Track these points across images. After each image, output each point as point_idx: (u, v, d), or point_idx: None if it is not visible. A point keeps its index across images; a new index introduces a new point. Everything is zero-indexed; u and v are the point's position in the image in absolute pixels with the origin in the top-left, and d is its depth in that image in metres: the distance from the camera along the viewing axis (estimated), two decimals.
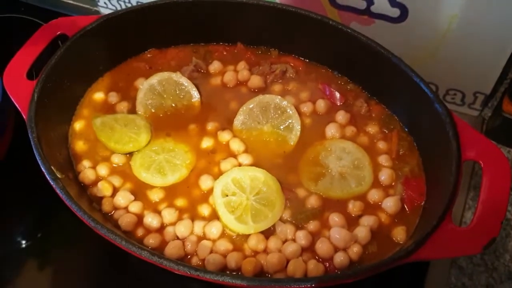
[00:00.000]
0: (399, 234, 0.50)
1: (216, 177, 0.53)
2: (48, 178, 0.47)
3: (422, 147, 0.55)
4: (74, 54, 0.56)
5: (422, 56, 0.63)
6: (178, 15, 0.61)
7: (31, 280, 0.56)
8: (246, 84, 0.60)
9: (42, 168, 0.47)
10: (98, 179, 0.53)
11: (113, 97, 0.59)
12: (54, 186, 0.46)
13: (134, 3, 0.77)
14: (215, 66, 0.62)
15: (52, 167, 0.48)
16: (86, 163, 0.54)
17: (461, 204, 0.59)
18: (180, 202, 0.52)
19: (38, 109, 0.50)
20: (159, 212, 0.51)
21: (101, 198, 0.52)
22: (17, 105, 0.51)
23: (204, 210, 0.51)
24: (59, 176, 0.48)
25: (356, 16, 0.62)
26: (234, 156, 0.55)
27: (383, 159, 0.55)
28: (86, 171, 0.53)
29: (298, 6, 0.60)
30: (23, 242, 0.59)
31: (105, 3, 0.79)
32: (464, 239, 0.44)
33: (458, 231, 0.44)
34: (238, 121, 0.57)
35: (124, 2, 0.77)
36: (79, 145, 0.55)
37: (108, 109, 0.59)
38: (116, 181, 0.53)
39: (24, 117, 0.50)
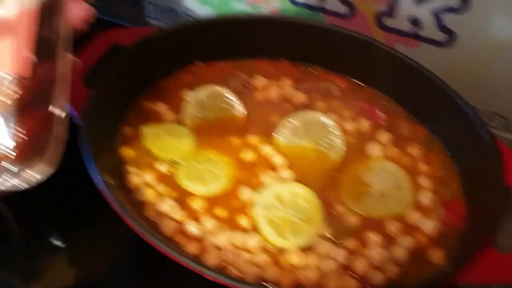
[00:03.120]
0: (437, 256, 0.50)
1: (256, 189, 0.54)
2: (98, 183, 0.49)
3: (464, 171, 0.55)
4: (128, 64, 0.58)
5: (467, 80, 0.63)
6: (226, 30, 0.63)
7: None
8: (290, 100, 0.61)
9: (92, 174, 0.49)
10: (143, 184, 0.55)
11: (161, 107, 0.61)
12: (104, 190, 0.48)
13: (181, 16, 0.79)
14: (259, 80, 0.63)
15: (103, 172, 0.50)
16: (132, 169, 0.56)
17: (504, 230, 0.58)
18: (220, 212, 0.53)
19: (92, 115, 0.52)
20: (199, 221, 0.52)
21: (145, 203, 0.53)
22: (74, 112, 0.53)
23: (244, 221, 0.52)
24: (109, 181, 0.50)
25: (402, 38, 0.63)
26: (275, 170, 0.56)
27: (423, 181, 0.55)
28: (132, 176, 0.55)
29: (344, 25, 0.62)
30: (58, 242, 0.61)
31: (151, 13, 0.82)
32: (508, 266, 0.43)
33: (501, 257, 0.44)
34: (280, 135, 0.58)
35: (171, 13, 0.80)
36: (126, 151, 0.57)
37: (155, 117, 0.60)
38: (160, 187, 0.54)
39: (79, 123, 0.52)
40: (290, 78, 0.63)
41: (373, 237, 0.50)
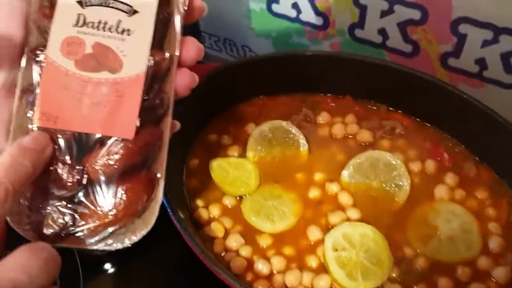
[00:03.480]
0: None
1: (323, 228, 0.54)
2: (173, 219, 0.49)
3: None
4: (194, 98, 0.59)
5: None
6: (290, 66, 0.64)
7: None
8: (355, 137, 0.62)
9: (168, 209, 0.50)
10: (210, 219, 0.55)
11: (225, 140, 0.62)
12: (178, 226, 0.49)
13: (239, 47, 0.81)
14: (323, 117, 0.64)
15: (174, 206, 0.51)
16: (199, 202, 0.57)
17: None
18: (288, 250, 0.53)
19: None
20: (267, 259, 0.53)
21: (214, 238, 0.54)
22: None
23: (312, 261, 0.52)
24: (181, 215, 0.51)
25: (466, 78, 0.63)
26: (342, 209, 0.56)
27: (492, 226, 0.54)
28: (200, 210, 0.56)
29: (407, 63, 0.62)
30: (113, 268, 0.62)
31: (210, 44, 0.84)
32: None
33: None
34: (346, 174, 0.58)
35: (229, 45, 0.81)
36: (193, 183, 0.58)
37: (220, 150, 0.61)
38: (227, 222, 0.55)
39: None
40: (354, 115, 0.63)
41: (443, 282, 0.50)
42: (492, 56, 0.59)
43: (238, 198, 0.57)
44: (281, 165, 0.60)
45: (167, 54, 0.40)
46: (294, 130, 0.62)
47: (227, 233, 0.55)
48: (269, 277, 0.52)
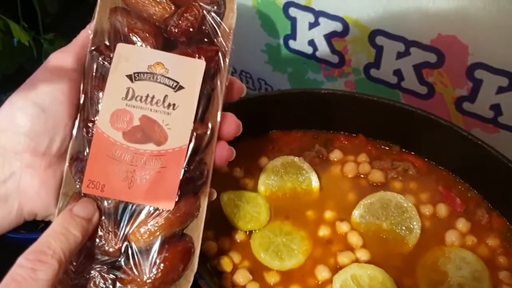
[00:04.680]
0: None
1: (332, 268, 0.54)
2: None
3: None
4: None
5: None
6: (305, 102, 0.64)
7: None
8: (366, 177, 0.61)
9: None
10: (220, 252, 0.55)
11: (237, 172, 0.62)
12: None
13: (255, 80, 0.82)
14: (336, 154, 0.64)
15: None
16: (210, 234, 0.57)
17: None
18: None
19: None
20: None
21: (221, 272, 0.54)
22: None
23: None
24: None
25: (481, 123, 0.63)
26: (351, 249, 0.55)
27: (504, 276, 0.53)
28: (210, 244, 0.56)
29: (421, 105, 0.62)
30: None
31: None
32: None
33: None
34: (357, 213, 0.58)
35: (246, 77, 0.82)
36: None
37: (231, 183, 0.62)
38: (236, 257, 0.55)
39: None
40: (366, 154, 0.63)
41: None
42: (507, 102, 0.60)
43: (247, 232, 0.57)
44: (292, 201, 0.60)
45: (209, 128, 0.42)
46: (306, 166, 0.62)
47: (235, 268, 0.55)
48: None
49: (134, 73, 0.41)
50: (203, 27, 0.43)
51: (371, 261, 0.54)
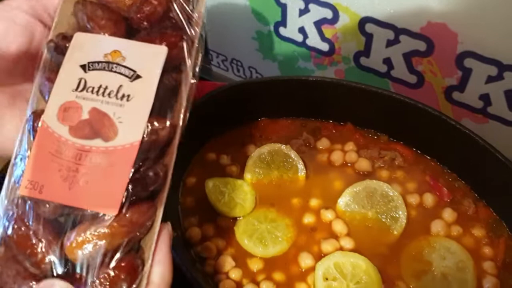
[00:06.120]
0: None
1: (315, 256, 0.54)
2: None
3: None
4: (196, 114, 0.59)
5: None
6: (294, 90, 0.64)
7: None
8: (353, 166, 0.61)
9: None
10: (203, 239, 0.55)
11: (224, 160, 0.62)
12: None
13: (246, 68, 0.81)
14: (323, 143, 0.63)
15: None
16: (193, 221, 0.56)
17: None
18: (278, 276, 0.53)
19: None
20: (257, 283, 0.52)
21: (205, 259, 0.54)
22: None
23: None
24: (174, 234, 0.50)
25: (470, 113, 0.63)
26: (336, 237, 0.55)
27: (488, 266, 0.53)
28: (194, 229, 0.55)
29: (411, 95, 0.62)
30: None
31: (217, 63, 0.84)
32: None
33: None
34: (342, 202, 0.57)
35: (236, 65, 0.82)
36: (189, 202, 0.58)
37: (218, 170, 0.61)
38: (220, 243, 0.55)
39: None
40: (354, 143, 0.63)
41: None
42: (496, 92, 0.59)
43: (232, 220, 0.57)
44: (278, 189, 0.60)
45: (168, 123, 0.37)
46: (293, 154, 0.62)
47: (218, 254, 0.54)
48: None
49: (89, 62, 0.37)
50: (169, 14, 0.39)
51: (355, 250, 0.54)
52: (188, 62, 0.38)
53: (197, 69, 0.39)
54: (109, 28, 0.38)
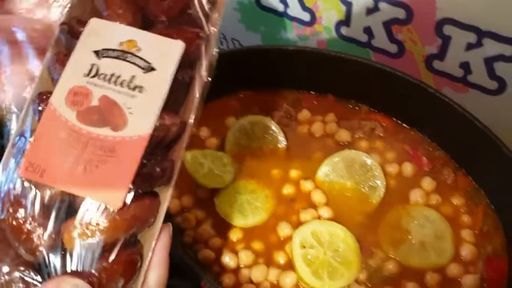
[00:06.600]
0: None
1: (294, 225, 0.54)
2: None
3: (509, 226, 0.54)
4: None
5: None
6: (273, 60, 0.63)
7: None
8: (333, 137, 0.61)
9: None
10: (182, 209, 0.55)
11: (204, 132, 0.62)
12: None
13: (229, 40, 0.80)
14: (304, 114, 0.63)
15: None
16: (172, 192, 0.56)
17: None
18: (257, 245, 0.53)
19: None
20: (236, 253, 0.52)
21: (184, 229, 0.54)
22: None
23: (280, 258, 0.52)
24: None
25: (451, 82, 0.62)
26: (314, 207, 0.55)
27: (466, 234, 0.53)
28: (173, 201, 0.55)
29: (392, 64, 0.61)
30: None
31: None
32: None
33: None
34: (321, 172, 0.57)
35: (219, 37, 0.80)
36: None
37: (197, 142, 0.61)
38: (199, 214, 0.55)
39: None
40: (334, 114, 0.62)
41: None
42: (476, 60, 0.58)
43: (211, 190, 0.57)
44: (258, 160, 0.60)
45: (179, 119, 0.36)
46: (273, 126, 0.61)
47: (198, 224, 0.54)
48: (236, 271, 0.51)
49: (103, 49, 0.36)
50: (188, 10, 0.38)
51: (334, 219, 0.54)
52: (204, 60, 0.38)
53: (212, 70, 0.39)
54: (126, 18, 0.38)
